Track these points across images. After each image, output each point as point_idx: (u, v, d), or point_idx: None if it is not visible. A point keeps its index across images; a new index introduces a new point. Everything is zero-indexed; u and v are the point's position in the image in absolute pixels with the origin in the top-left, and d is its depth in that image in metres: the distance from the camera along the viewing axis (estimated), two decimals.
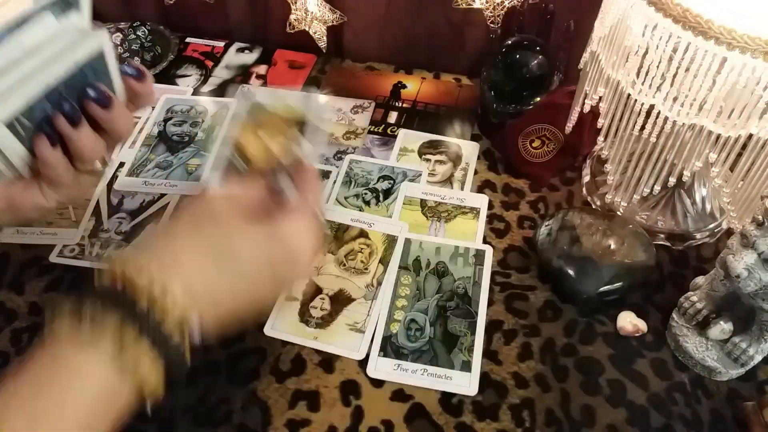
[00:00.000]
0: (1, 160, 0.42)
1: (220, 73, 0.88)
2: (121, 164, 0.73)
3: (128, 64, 0.47)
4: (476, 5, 0.81)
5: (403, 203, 0.71)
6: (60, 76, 0.41)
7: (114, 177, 0.72)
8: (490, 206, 0.71)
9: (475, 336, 0.59)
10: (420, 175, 0.75)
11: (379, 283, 0.63)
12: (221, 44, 0.93)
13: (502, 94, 0.79)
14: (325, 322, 0.60)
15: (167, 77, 0.86)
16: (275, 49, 0.92)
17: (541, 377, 0.57)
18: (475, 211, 0.71)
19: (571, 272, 0.61)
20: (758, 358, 0.56)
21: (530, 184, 0.74)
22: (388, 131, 0.80)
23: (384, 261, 0.65)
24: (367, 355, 0.57)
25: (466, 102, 0.85)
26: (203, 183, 0.66)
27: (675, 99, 0.53)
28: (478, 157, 0.77)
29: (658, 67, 0.53)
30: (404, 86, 0.87)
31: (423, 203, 0.71)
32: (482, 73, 0.80)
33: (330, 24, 0.87)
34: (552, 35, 0.80)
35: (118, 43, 0.87)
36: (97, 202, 0.69)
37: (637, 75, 0.55)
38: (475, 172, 0.75)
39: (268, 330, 0.59)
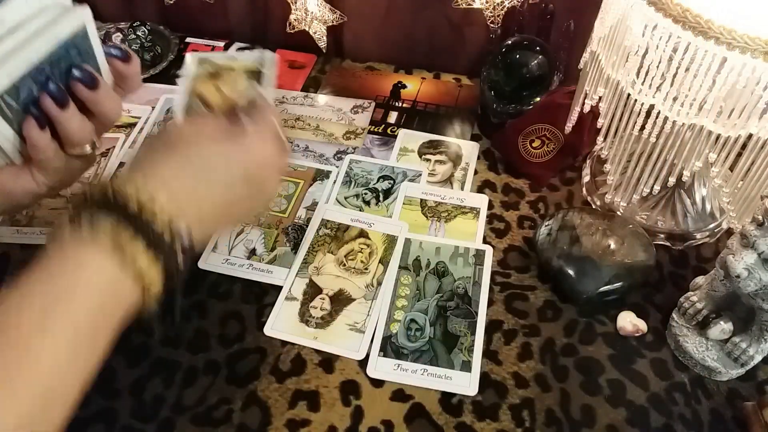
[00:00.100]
0: None
1: None
2: (122, 164, 0.73)
3: (113, 45, 0.47)
4: (476, 5, 0.81)
5: (403, 203, 0.71)
6: (43, 53, 0.41)
7: (114, 177, 0.72)
8: (490, 206, 0.71)
9: (475, 336, 0.59)
10: (420, 175, 0.75)
11: (379, 283, 0.63)
12: (221, 44, 0.93)
13: (502, 94, 0.79)
14: (325, 322, 0.60)
15: (167, 77, 0.86)
16: (275, 49, 0.92)
17: (541, 377, 0.57)
18: (475, 211, 0.71)
19: (571, 272, 0.61)
20: (758, 358, 0.56)
21: (530, 184, 0.74)
22: (388, 131, 0.80)
23: (384, 261, 0.65)
24: (367, 355, 0.57)
25: (466, 102, 0.85)
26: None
27: (675, 99, 0.53)
28: (478, 157, 0.77)
29: (658, 67, 0.53)
30: (404, 86, 0.87)
31: (423, 203, 0.71)
32: (482, 73, 0.80)
33: (330, 24, 0.87)
34: (552, 35, 0.80)
35: (119, 43, 0.87)
36: None
37: (637, 75, 0.55)
38: (475, 172, 0.75)
39: (268, 330, 0.59)
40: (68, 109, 0.43)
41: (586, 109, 0.64)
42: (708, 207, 0.68)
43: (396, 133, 0.80)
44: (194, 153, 0.43)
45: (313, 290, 0.62)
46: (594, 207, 0.71)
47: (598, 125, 0.63)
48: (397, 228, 0.68)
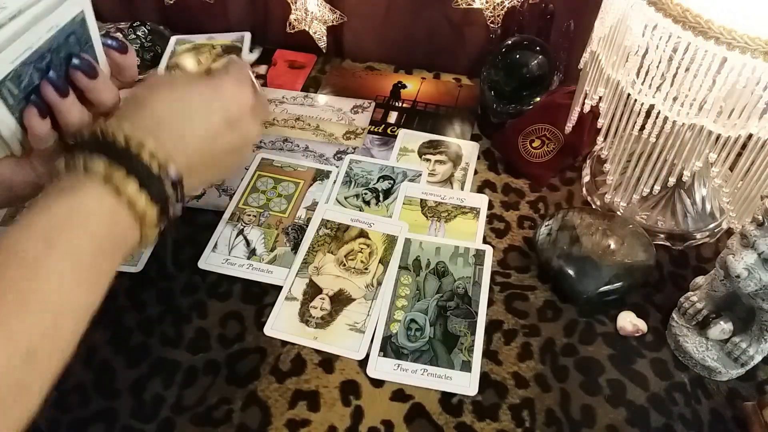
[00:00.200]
0: None
1: None
2: None
3: (110, 36, 0.47)
4: (476, 5, 0.81)
5: (403, 203, 0.71)
6: (44, 39, 0.41)
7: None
8: (490, 206, 0.71)
9: (475, 336, 0.59)
10: (420, 175, 0.75)
11: (379, 283, 0.63)
12: None
13: (502, 94, 0.79)
14: (325, 322, 0.60)
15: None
16: (275, 49, 0.92)
17: (541, 377, 0.57)
18: (475, 211, 0.71)
19: (571, 272, 0.61)
20: (758, 358, 0.56)
21: (530, 184, 0.74)
22: (388, 131, 0.80)
23: (384, 261, 0.65)
24: (367, 355, 0.57)
25: (466, 102, 0.85)
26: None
27: (675, 99, 0.53)
28: (478, 157, 0.77)
29: (658, 67, 0.53)
30: (404, 86, 0.87)
31: (423, 203, 0.71)
32: (482, 73, 0.80)
33: (330, 24, 0.87)
34: (552, 35, 0.80)
35: None
36: None
37: (637, 75, 0.55)
38: (475, 172, 0.76)
39: (268, 330, 0.59)
40: (68, 98, 0.43)
41: (586, 109, 0.64)
42: (708, 207, 0.68)
43: (396, 133, 0.80)
44: (176, 98, 0.46)
45: (313, 290, 0.62)
46: (594, 207, 0.71)
47: (598, 125, 0.63)
48: (397, 228, 0.68)
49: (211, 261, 0.64)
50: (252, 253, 0.65)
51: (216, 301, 0.62)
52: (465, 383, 0.56)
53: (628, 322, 0.60)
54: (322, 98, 0.85)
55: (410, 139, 0.79)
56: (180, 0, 0.91)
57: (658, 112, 0.55)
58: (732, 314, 0.57)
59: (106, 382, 0.55)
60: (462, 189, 0.74)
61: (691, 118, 0.54)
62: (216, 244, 0.66)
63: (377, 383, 0.56)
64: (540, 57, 0.77)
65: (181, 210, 0.44)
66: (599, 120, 0.62)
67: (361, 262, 0.65)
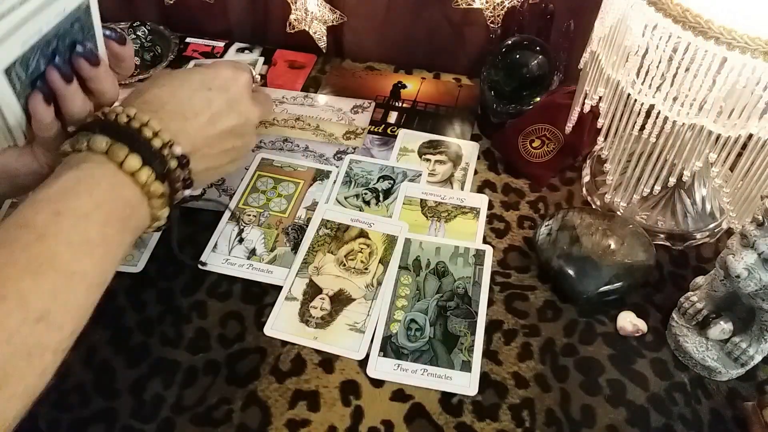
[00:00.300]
0: None
1: None
2: None
3: (108, 27, 0.48)
4: (476, 5, 0.81)
5: (403, 203, 0.71)
6: (52, 24, 0.42)
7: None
8: (490, 206, 0.71)
9: (475, 336, 0.59)
10: (420, 175, 0.75)
11: (379, 283, 0.63)
12: (221, 44, 0.93)
13: (502, 94, 0.79)
14: (325, 322, 0.60)
15: None
16: (275, 49, 0.92)
17: (541, 377, 0.57)
18: (475, 211, 0.71)
19: (571, 272, 0.61)
20: (758, 358, 0.56)
21: (530, 184, 0.74)
22: (388, 131, 0.80)
23: (384, 261, 0.65)
24: (367, 355, 0.57)
25: (466, 102, 0.85)
26: None
27: (675, 99, 0.53)
28: (478, 157, 0.77)
29: (658, 67, 0.53)
30: (404, 86, 0.87)
31: (423, 203, 0.71)
32: (482, 73, 0.80)
33: (330, 24, 0.87)
34: (552, 35, 0.80)
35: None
36: None
37: (637, 75, 0.55)
38: (475, 172, 0.75)
39: (268, 330, 0.59)
40: (72, 85, 0.44)
41: (586, 109, 0.64)
42: (708, 207, 0.68)
43: (396, 133, 0.80)
44: (176, 83, 0.48)
45: (313, 290, 0.62)
46: (594, 207, 0.71)
47: (598, 125, 0.63)
48: (397, 228, 0.68)
49: (211, 261, 0.64)
50: (252, 253, 0.65)
51: (216, 301, 0.62)
52: (465, 383, 0.56)
53: (628, 322, 0.60)
54: (322, 98, 0.85)
55: (410, 139, 0.79)
56: (180, 0, 0.91)
57: (658, 112, 0.55)
58: (732, 314, 0.57)
59: (106, 382, 0.55)
60: (462, 189, 0.74)
61: (691, 118, 0.54)
62: (216, 244, 0.66)
63: (377, 383, 0.56)
64: (540, 57, 0.77)
65: (192, 196, 0.46)
66: (599, 120, 0.62)
67: (361, 262, 0.65)
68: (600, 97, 0.61)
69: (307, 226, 0.68)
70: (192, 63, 0.88)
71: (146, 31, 0.89)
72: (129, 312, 0.60)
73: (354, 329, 0.59)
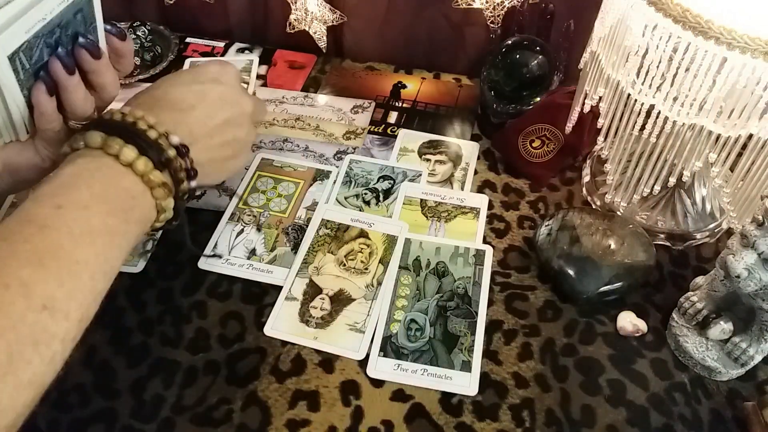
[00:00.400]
0: (0, 110, 0.42)
1: None
2: None
3: (109, 22, 0.48)
4: (476, 5, 0.81)
5: (403, 203, 0.71)
6: (56, 12, 0.42)
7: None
8: (490, 206, 0.71)
9: (475, 336, 0.59)
10: (420, 175, 0.75)
11: (379, 283, 0.63)
12: (221, 44, 0.93)
13: (502, 94, 0.79)
14: (325, 322, 0.60)
15: None
16: (275, 49, 0.92)
17: (541, 377, 0.57)
18: (475, 211, 0.71)
19: (571, 272, 0.61)
20: (758, 358, 0.56)
21: (530, 184, 0.74)
22: (388, 131, 0.80)
23: (384, 261, 0.65)
24: (367, 355, 0.57)
25: (466, 102, 0.85)
26: None
27: (675, 99, 0.53)
28: (478, 157, 0.77)
29: (658, 67, 0.53)
30: (404, 86, 0.87)
31: (423, 203, 0.71)
32: (482, 73, 0.80)
33: (330, 24, 0.87)
34: (552, 35, 0.80)
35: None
36: None
37: (637, 75, 0.55)
38: (475, 172, 0.75)
39: (268, 330, 0.59)
40: (75, 76, 0.44)
41: (586, 109, 0.64)
42: (708, 207, 0.68)
43: (396, 133, 0.80)
44: (168, 83, 0.50)
45: (313, 290, 0.62)
46: (594, 207, 0.71)
47: (598, 125, 0.63)
48: (397, 228, 0.68)
49: (211, 261, 0.64)
50: (252, 253, 0.65)
51: (216, 301, 0.62)
52: (465, 383, 0.56)
53: (628, 322, 0.60)
54: (322, 98, 0.85)
55: (410, 139, 0.79)
56: (180, 0, 0.91)
57: (658, 112, 0.55)
58: (732, 314, 0.57)
59: (106, 382, 0.55)
60: (462, 189, 0.74)
61: (691, 118, 0.54)
62: (216, 244, 0.66)
63: (377, 383, 0.56)
64: (540, 57, 0.77)
65: (201, 191, 0.46)
66: (599, 120, 0.62)
67: (361, 262, 0.65)
68: (600, 97, 0.61)
69: (307, 226, 0.68)
70: (188, 62, 0.88)
71: (146, 31, 0.89)
72: (129, 312, 0.60)
73: (354, 329, 0.59)
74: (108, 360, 0.57)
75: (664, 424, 0.54)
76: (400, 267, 0.64)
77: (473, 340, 0.59)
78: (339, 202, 0.71)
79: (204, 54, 0.91)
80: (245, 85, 0.86)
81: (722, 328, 0.56)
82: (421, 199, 0.72)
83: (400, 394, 0.55)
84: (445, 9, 0.84)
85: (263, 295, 0.62)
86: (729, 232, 0.68)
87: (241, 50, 0.92)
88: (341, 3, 0.86)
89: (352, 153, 0.77)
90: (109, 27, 0.47)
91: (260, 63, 0.90)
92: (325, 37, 0.88)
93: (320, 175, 0.74)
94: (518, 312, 0.62)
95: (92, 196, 0.39)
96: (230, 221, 0.68)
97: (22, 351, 0.33)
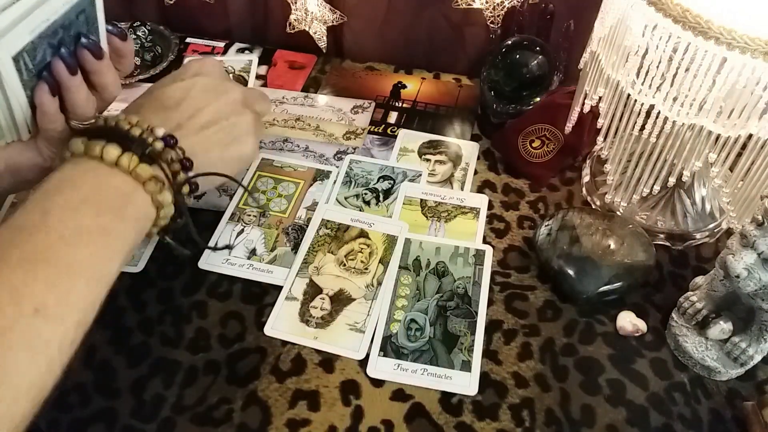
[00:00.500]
0: (3, 110, 0.43)
1: None
2: None
3: (110, 23, 0.48)
4: (476, 5, 0.81)
5: (403, 203, 0.71)
6: (60, 13, 0.42)
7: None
8: (490, 206, 0.71)
9: (475, 336, 0.59)
10: (420, 175, 0.75)
11: (379, 283, 0.63)
12: (221, 44, 0.93)
13: (502, 94, 0.79)
14: (325, 322, 0.60)
15: None
16: (275, 49, 0.92)
17: (540, 377, 0.57)
18: (475, 211, 0.71)
19: (570, 272, 0.61)
20: (758, 358, 0.56)
21: (530, 184, 0.74)
22: (388, 131, 0.80)
23: (384, 261, 0.65)
24: (367, 355, 0.57)
25: (466, 102, 0.85)
26: None
27: (675, 99, 0.53)
28: (478, 157, 0.77)
29: (657, 67, 0.53)
30: (404, 86, 0.87)
31: (423, 203, 0.71)
32: (482, 73, 0.80)
33: (330, 24, 0.87)
34: (552, 35, 0.80)
35: None
36: None
37: (637, 75, 0.55)
38: (475, 172, 0.76)
39: (269, 330, 0.59)
40: (77, 76, 0.44)
41: (586, 109, 0.64)
42: (708, 207, 0.68)
43: (396, 133, 0.80)
44: (153, 87, 0.50)
45: (313, 290, 0.62)
46: (594, 207, 0.71)
47: (598, 125, 0.63)
48: (397, 228, 0.68)
49: (211, 261, 0.64)
50: (252, 253, 0.65)
51: (216, 301, 0.62)
52: (465, 383, 0.56)
53: (628, 322, 0.60)
54: (322, 98, 0.85)
55: (410, 139, 0.79)
56: (180, 0, 0.91)
57: (658, 112, 0.55)
58: (732, 314, 0.57)
59: (106, 382, 0.55)
60: (462, 189, 0.74)
61: (691, 118, 0.54)
62: (216, 244, 0.66)
63: (377, 383, 0.56)
64: (540, 57, 0.77)
65: (196, 186, 0.46)
66: (599, 120, 0.62)
67: (361, 262, 0.65)
68: (600, 97, 0.61)
69: (307, 226, 0.68)
70: (187, 60, 0.88)
71: (146, 31, 0.89)
72: (129, 312, 0.60)
73: (354, 329, 0.59)
74: (108, 360, 0.57)
75: (663, 424, 0.54)
76: (400, 267, 0.64)
77: (473, 340, 0.59)
78: (339, 202, 0.71)
79: (204, 54, 0.91)
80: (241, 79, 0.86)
81: (722, 327, 0.56)
82: (421, 199, 0.72)
83: (400, 394, 0.55)
84: (445, 9, 0.84)
85: (263, 295, 0.62)
86: (729, 232, 0.68)
87: (241, 50, 0.92)
88: (341, 3, 0.86)
89: (352, 153, 0.77)
90: (110, 27, 0.48)
91: (260, 63, 0.90)
92: (325, 38, 0.88)
93: (320, 175, 0.74)
94: (518, 312, 0.62)
95: (79, 199, 0.39)
96: (230, 221, 0.68)
97: (16, 358, 0.32)
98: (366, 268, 0.64)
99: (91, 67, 0.45)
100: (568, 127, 0.69)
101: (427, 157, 0.77)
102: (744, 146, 0.55)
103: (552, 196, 0.73)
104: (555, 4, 0.78)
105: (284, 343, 0.59)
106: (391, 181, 0.74)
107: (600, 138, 0.63)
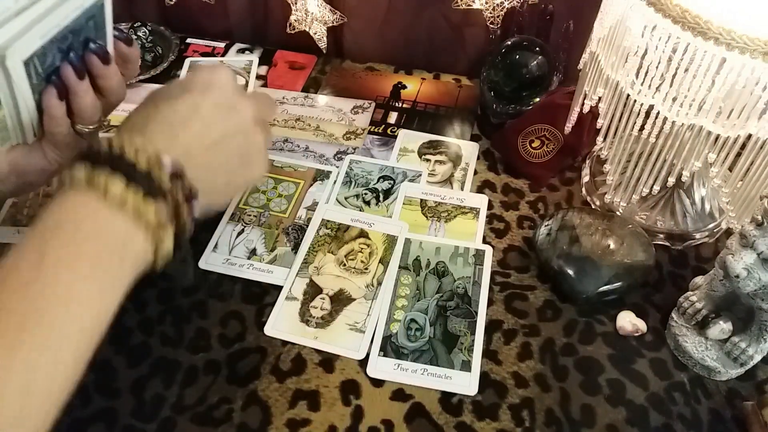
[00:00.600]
0: (11, 112, 0.43)
1: None
2: None
3: (116, 28, 0.48)
4: (476, 6, 0.81)
5: (403, 203, 0.71)
6: (70, 19, 0.42)
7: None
8: (490, 206, 0.72)
9: (475, 336, 0.59)
10: (420, 175, 0.75)
11: (379, 283, 0.63)
12: (221, 45, 0.93)
13: (501, 95, 0.79)
14: (325, 321, 0.60)
15: (168, 78, 0.86)
16: (275, 49, 0.92)
17: (540, 377, 0.57)
18: (474, 211, 0.71)
19: (570, 272, 0.61)
20: (757, 358, 0.56)
21: (530, 184, 0.74)
22: (388, 131, 0.81)
23: (384, 261, 0.65)
24: (367, 355, 0.58)
25: (466, 102, 0.85)
26: None
27: (674, 99, 0.54)
28: (478, 157, 0.77)
29: (657, 67, 0.53)
30: (404, 87, 0.87)
31: (423, 203, 0.71)
32: (482, 73, 0.80)
33: (330, 25, 0.87)
34: (552, 35, 0.80)
35: None
36: None
37: (637, 75, 0.55)
38: (475, 172, 0.76)
39: (269, 330, 0.59)
40: (85, 81, 0.44)
41: (586, 109, 0.64)
42: (707, 207, 0.68)
43: (396, 134, 0.80)
44: (157, 98, 0.45)
45: (313, 290, 0.62)
46: (594, 207, 0.71)
47: (598, 125, 0.63)
48: (397, 228, 0.68)
49: (211, 261, 0.64)
50: (252, 252, 0.65)
51: (216, 300, 0.62)
52: (465, 383, 0.56)
53: (628, 321, 0.60)
54: (322, 99, 0.85)
55: (410, 139, 0.79)
56: (181, 1, 0.91)
57: (658, 113, 0.55)
58: (731, 314, 0.57)
59: (106, 382, 0.55)
60: (462, 189, 0.74)
61: (690, 118, 0.54)
62: (216, 244, 0.66)
63: (377, 383, 0.56)
64: (539, 57, 0.77)
65: (197, 214, 0.42)
66: (599, 120, 0.62)
67: (362, 262, 0.65)
68: (599, 98, 0.61)
69: (307, 226, 0.68)
70: (187, 62, 0.88)
71: (147, 31, 0.89)
72: (129, 312, 0.60)
73: (354, 329, 0.59)
74: (108, 359, 0.57)
75: (663, 424, 0.54)
76: (400, 267, 0.64)
77: (473, 340, 0.59)
78: (339, 202, 0.71)
79: (204, 54, 0.91)
80: (243, 83, 0.86)
81: (721, 327, 0.56)
82: (421, 199, 0.72)
83: (400, 394, 0.55)
84: (445, 9, 0.84)
85: (264, 295, 0.62)
86: (728, 232, 0.68)
87: (241, 51, 0.92)
88: (341, 3, 0.86)
89: (352, 153, 0.77)
90: (117, 33, 0.48)
91: (260, 63, 0.90)
92: (325, 38, 0.88)
93: (320, 176, 0.74)
94: (518, 312, 0.62)
95: (78, 248, 0.36)
96: (230, 221, 0.68)
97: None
98: (366, 268, 0.64)
99: (99, 72, 0.45)
100: (568, 127, 0.69)
101: (427, 157, 0.77)
102: (743, 146, 0.55)
103: (552, 196, 0.73)
104: (555, 4, 0.78)
105: (284, 343, 0.59)
106: (391, 181, 0.74)
107: (599, 138, 0.64)
